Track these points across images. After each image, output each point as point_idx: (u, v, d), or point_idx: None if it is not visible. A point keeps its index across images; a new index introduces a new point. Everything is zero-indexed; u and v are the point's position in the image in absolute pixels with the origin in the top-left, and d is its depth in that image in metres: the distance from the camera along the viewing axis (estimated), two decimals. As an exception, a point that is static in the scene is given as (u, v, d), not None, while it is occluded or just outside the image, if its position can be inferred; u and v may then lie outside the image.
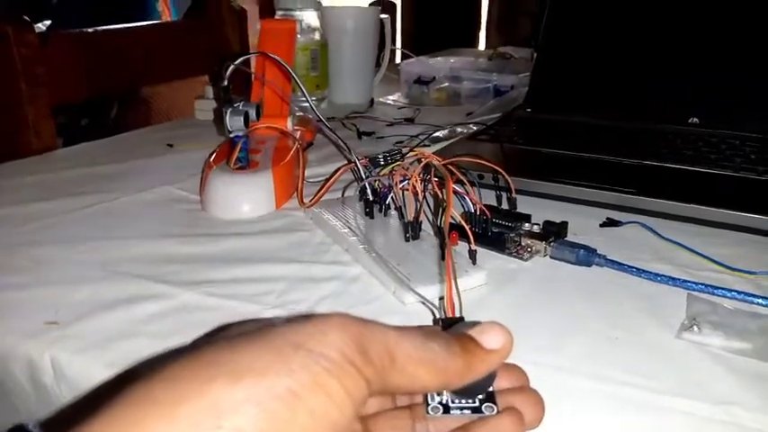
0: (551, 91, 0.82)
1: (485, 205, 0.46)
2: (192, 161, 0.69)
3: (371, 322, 0.23)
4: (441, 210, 0.46)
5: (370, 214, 0.50)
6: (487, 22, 2.36)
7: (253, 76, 0.61)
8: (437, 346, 0.23)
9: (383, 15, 1.01)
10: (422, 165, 0.45)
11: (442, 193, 0.44)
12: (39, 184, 0.62)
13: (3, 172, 0.65)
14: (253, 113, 0.53)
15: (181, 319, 0.37)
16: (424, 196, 0.46)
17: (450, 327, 0.29)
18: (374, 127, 0.87)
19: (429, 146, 0.74)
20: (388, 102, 1.04)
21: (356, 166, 0.51)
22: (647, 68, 0.76)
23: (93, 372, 0.33)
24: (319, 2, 0.93)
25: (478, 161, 0.48)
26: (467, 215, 0.47)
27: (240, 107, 0.52)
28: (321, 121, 0.55)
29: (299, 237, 0.50)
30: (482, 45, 2.36)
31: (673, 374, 0.32)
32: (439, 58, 1.22)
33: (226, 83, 0.52)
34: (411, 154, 0.54)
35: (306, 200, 0.54)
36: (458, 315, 0.31)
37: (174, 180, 0.62)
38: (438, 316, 0.36)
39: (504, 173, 0.49)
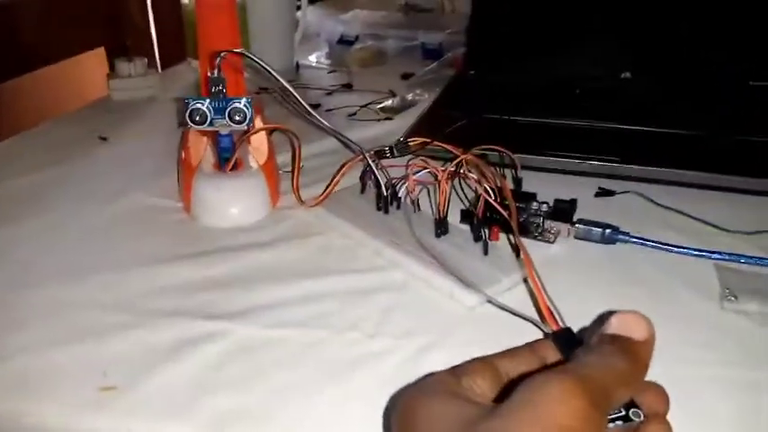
0: (488, 52, 0.83)
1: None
2: (141, 157, 0.63)
3: (574, 367, 0.23)
4: (476, 201, 0.46)
5: (384, 209, 0.49)
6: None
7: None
8: (619, 361, 0.24)
9: (298, -30, 0.95)
10: (455, 162, 0.44)
11: (478, 186, 0.44)
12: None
13: None
14: (250, 111, 0.48)
15: (255, 360, 0.35)
16: (452, 189, 0.45)
17: (565, 339, 0.30)
18: (313, 97, 0.83)
19: (390, 118, 0.72)
20: (312, 64, 0.99)
21: (367, 160, 0.48)
22: (578, 24, 0.80)
23: (189, 441, 0.30)
24: (235, -40, 0.85)
25: (496, 148, 0.48)
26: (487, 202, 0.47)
27: (237, 104, 0.47)
28: (323, 125, 0.51)
29: (315, 242, 0.47)
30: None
31: (737, 345, 0.36)
32: (350, 13, 1.18)
33: (217, 73, 0.47)
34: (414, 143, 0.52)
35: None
36: (561, 324, 0.31)
37: (136, 184, 0.55)
38: (545, 330, 0.37)
39: (510, 154, 0.50)
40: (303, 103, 0.48)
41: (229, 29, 0.58)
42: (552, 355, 0.29)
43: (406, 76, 0.90)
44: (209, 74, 0.48)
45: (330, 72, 0.94)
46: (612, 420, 0.26)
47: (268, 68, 0.46)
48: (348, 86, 0.87)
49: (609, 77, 0.76)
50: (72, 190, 0.55)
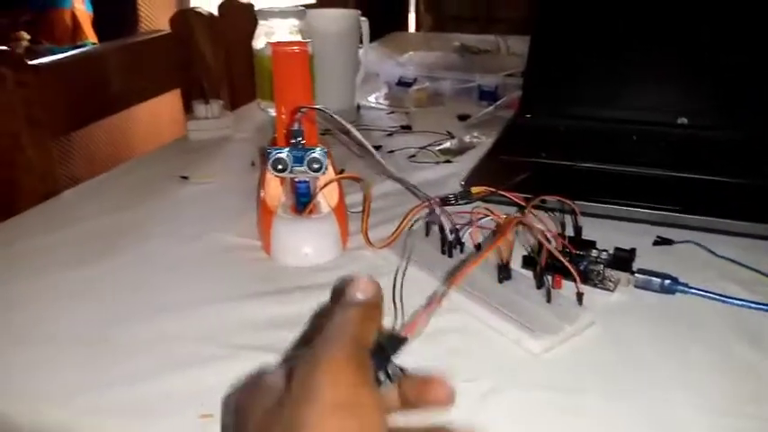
0: (544, 96, 0.85)
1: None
2: (219, 196, 0.67)
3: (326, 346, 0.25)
4: (537, 248, 0.48)
5: (448, 253, 0.52)
6: (416, 1, 2.37)
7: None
8: (347, 313, 0.27)
9: (362, 18, 1.00)
10: (517, 221, 0.47)
11: (540, 236, 0.46)
12: (62, 243, 0.57)
13: (12, 232, 0.60)
14: (326, 160, 0.52)
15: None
16: (514, 240, 0.48)
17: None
18: (374, 138, 0.87)
19: (449, 161, 0.75)
20: (372, 104, 1.04)
21: (433, 207, 0.52)
22: (635, 68, 0.81)
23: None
24: (303, 9, 0.91)
25: (557, 198, 0.51)
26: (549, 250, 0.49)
27: (314, 154, 0.51)
28: (394, 176, 0.55)
29: (384, 283, 0.50)
30: (412, 25, 2.38)
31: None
32: (407, 55, 1.22)
33: (297, 126, 0.51)
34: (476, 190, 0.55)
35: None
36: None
37: (215, 222, 0.60)
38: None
39: (571, 203, 0.53)
40: (379, 158, 0.51)
41: (303, 80, 0.63)
42: None
43: (462, 118, 0.93)
44: (290, 127, 0.52)
45: (389, 113, 0.99)
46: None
47: (349, 127, 0.50)
48: (407, 128, 0.90)
49: (665, 123, 0.78)
50: (158, 228, 0.60)
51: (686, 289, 0.47)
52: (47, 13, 1.77)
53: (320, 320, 0.28)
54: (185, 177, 0.71)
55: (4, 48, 0.66)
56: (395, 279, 0.38)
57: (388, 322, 0.35)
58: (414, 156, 0.79)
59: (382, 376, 0.27)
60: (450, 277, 0.36)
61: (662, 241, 0.55)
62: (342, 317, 0.27)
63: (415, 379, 0.28)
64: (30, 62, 0.70)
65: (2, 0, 1.77)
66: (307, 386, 0.24)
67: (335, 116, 0.51)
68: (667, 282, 0.47)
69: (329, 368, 0.24)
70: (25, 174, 0.69)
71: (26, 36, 1.73)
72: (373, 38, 1.36)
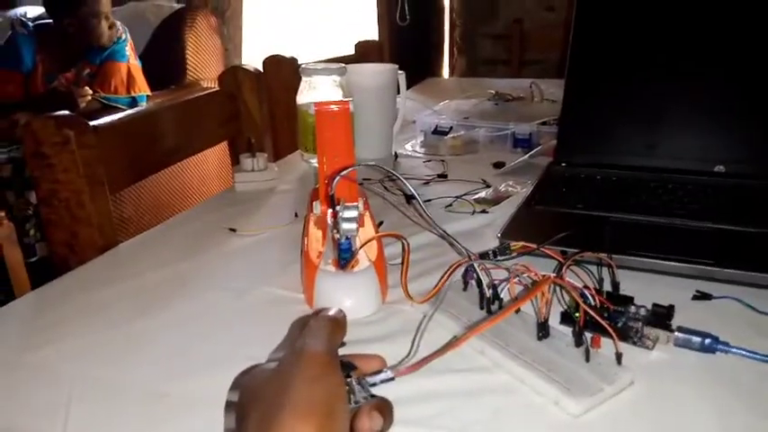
0: (579, 145, 0.86)
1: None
2: (265, 248, 0.70)
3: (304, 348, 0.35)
4: (574, 305, 0.49)
5: (486, 309, 0.53)
6: (450, 46, 2.42)
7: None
8: (316, 323, 0.38)
9: (400, 71, 1.03)
10: (551, 280, 0.48)
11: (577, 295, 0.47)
12: (121, 296, 0.61)
13: (73, 285, 0.64)
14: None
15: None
16: (552, 297, 0.49)
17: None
18: (411, 187, 0.89)
19: (485, 211, 0.77)
20: (408, 153, 1.07)
21: (473, 264, 0.53)
22: (671, 116, 0.82)
23: None
24: (343, 67, 0.95)
25: (595, 255, 0.52)
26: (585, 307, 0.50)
27: (353, 213, 0.54)
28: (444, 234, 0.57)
29: (424, 339, 0.52)
30: (445, 69, 2.42)
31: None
32: (442, 104, 1.26)
33: (333, 192, 0.54)
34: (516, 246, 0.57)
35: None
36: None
37: (262, 275, 0.63)
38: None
39: (609, 261, 0.54)
40: (428, 214, 0.54)
41: (344, 137, 0.66)
42: None
43: (497, 165, 0.95)
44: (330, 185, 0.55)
45: (426, 161, 1.01)
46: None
47: (403, 181, 0.52)
48: (443, 176, 0.93)
49: (702, 171, 0.78)
50: (210, 282, 0.63)
51: (727, 348, 0.47)
52: (106, 65, 1.89)
53: (298, 329, 0.38)
54: (233, 230, 0.75)
55: (68, 112, 0.71)
56: (420, 323, 0.45)
57: (396, 359, 0.42)
58: (450, 205, 0.81)
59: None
60: (466, 333, 0.41)
61: (700, 296, 0.55)
62: (317, 323, 0.37)
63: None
64: (90, 123, 0.75)
65: (70, 55, 1.89)
66: (293, 366, 0.33)
67: (393, 172, 0.54)
68: (707, 341, 0.47)
69: (310, 355, 0.34)
70: (84, 227, 0.73)
71: (89, 92, 1.84)
72: (409, 84, 1.41)
